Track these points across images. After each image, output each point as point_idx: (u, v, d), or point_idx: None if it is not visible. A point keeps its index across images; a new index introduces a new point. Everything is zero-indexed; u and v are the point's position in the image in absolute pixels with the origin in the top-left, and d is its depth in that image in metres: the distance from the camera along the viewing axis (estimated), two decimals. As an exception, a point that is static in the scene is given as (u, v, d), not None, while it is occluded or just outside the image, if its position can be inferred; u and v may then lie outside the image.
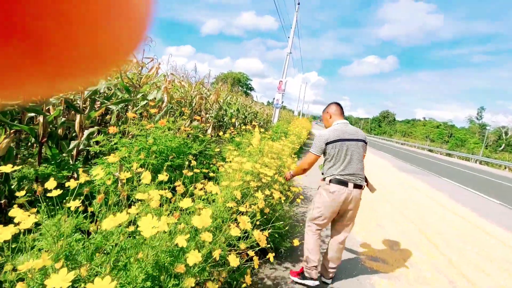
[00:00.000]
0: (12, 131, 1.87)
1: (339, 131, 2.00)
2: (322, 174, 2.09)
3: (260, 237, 1.29)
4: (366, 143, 2.07)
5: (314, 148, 2.04)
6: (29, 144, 2.55)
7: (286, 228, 2.23)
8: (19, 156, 2.29)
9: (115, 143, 2.00)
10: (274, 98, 13.86)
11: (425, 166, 12.65)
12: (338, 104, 2.18)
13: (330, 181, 1.98)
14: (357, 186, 1.97)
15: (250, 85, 59.27)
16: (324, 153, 2.04)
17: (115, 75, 3.09)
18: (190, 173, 1.52)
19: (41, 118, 1.96)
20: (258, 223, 1.48)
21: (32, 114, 2.25)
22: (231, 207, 1.48)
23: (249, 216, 1.36)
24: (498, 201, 6.66)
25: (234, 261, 0.94)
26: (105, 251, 0.95)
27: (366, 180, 2.07)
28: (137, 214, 1.03)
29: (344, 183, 1.95)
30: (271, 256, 1.21)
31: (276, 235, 2.20)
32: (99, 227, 1.01)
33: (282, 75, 14.04)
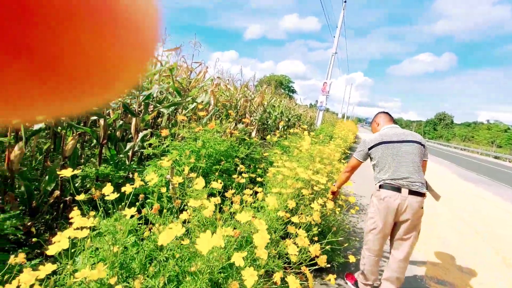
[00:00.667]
0: (77, 133, 2.01)
1: (384, 135, 1.85)
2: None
3: (317, 253, 1.16)
4: (423, 145, 1.83)
5: (356, 152, 1.93)
6: (91, 145, 2.75)
7: (340, 240, 2.04)
8: (83, 156, 2.47)
9: (166, 146, 2.03)
10: (317, 100, 13.45)
11: (492, 176, 11.11)
12: (386, 113, 2.06)
13: (380, 186, 1.79)
14: (414, 193, 1.71)
15: (292, 88, 58.77)
16: (371, 158, 1.88)
17: (166, 80, 3.22)
18: (242, 180, 1.45)
19: (102, 121, 2.07)
20: (315, 238, 1.34)
21: (95, 118, 2.42)
22: (282, 216, 1.37)
23: (304, 229, 1.24)
24: None
25: (293, 283, 0.82)
26: (158, 260, 0.91)
27: (428, 187, 1.80)
28: (189, 222, 0.98)
29: (396, 189, 1.73)
30: (332, 278, 1.06)
31: (329, 249, 2.03)
32: (152, 232, 0.98)
33: (326, 76, 13.61)
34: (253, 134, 5.50)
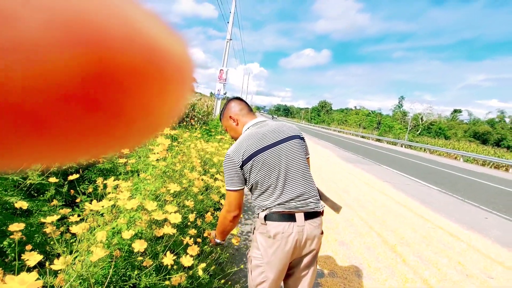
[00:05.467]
0: None
1: (254, 138, 1.14)
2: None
3: None
4: (302, 139, 1.23)
5: (227, 181, 1.14)
6: None
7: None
8: None
9: None
10: (216, 89, 12.82)
11: (365, 154, 13.13)
12: (239, 99, 1.32)
13: (265, 218, 1.13)
14: (311, 215, 1.14)
15: (191, 76, 56.15)
16: (245, 179, 1.15)
17: None
18: None
19: None
20: None
21: None
22: None
23: None
24: (437, 187, 6.88)
25: None
26: None
27: (323, 197, 1.25)
28: None
29: (289, 217, 1.12)
30: None
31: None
32: None
33: (222, 63, 13.14)
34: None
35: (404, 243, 3.14)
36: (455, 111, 55.76)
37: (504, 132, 44.36)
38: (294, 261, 1.20)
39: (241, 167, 1.10)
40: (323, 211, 1.19)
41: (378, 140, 30.54)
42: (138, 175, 1.60)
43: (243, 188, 1.14)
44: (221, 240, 1.28)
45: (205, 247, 1.30)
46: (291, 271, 1.21)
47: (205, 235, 1.37)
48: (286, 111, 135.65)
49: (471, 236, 3.65)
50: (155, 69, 0.10)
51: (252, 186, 1.14)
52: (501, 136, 43.58)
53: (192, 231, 1.27)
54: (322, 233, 1.19)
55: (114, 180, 1.28)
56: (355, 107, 78.94)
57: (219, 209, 2.27)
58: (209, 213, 1.42)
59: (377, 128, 48.69)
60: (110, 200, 1.14)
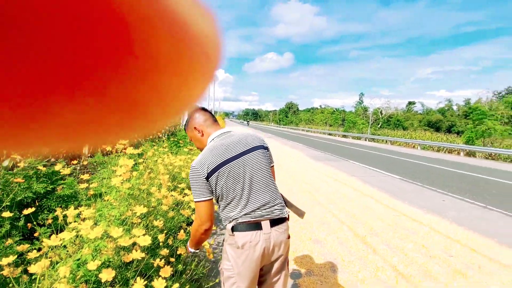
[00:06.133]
0: None
1: (218, 149, 1.17)
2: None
3: None
4: (266, 148, 1.26)
5: (195, 193, 1.15)
6: None
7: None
8: None
9: None
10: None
11: (333, 151, 13.66)
12: (203, 109, 1.34)
13: (232, 229, 1.16)
14: (277, 222, 1.18)
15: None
16: (212, 191, 1.17)
17: None
18: None
19: None
20: None
21: None
22: None
23: None
24: (399, 176, 7.36)
25: None
26: None
27: (288, 204, 1.30)
28: None
29: (255, 226, 1.15)
30: None
31: None
32: None
33: (186, 72, 12.92)
34: (86, 150, 4.03)
35: (373, 234, 3.33)
36: (409, 103, 60.21)
37: (454, 119, 48.78)
38: (265, 268, 1.23)
39: (207, 178, 1.12)
40: (288, 216, 1.24)
41: (344, 136, 31.96)
42: (102, 199, 1.53)
43: (212, 198, 1.15)
44: (195, 250, 1.28)
45: (179, 266, 1.28)
46: (263, 278, 1.24)
47: (178, 252, 1.35)
48: (254, 115, 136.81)
49: (432, 219, 3.97)
50: (182, 49, 0.10)
51: (218, 198, 1.16)
52: (451, 123, 47.84)
53: (164, 251, 1.25)
54: (288, 237, 1.24)
55: (75, 209, 1.22)
56: (320, 106, 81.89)
57: (192, 223, 2.24)
58: (181, 230, 1.40)
59: (342, 124, 50.99)
60: (72, 231, 1.08)
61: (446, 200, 5.17)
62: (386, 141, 25.54)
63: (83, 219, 1.20)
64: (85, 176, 2.01)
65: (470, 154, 16.65)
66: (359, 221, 3.75)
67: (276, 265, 1.22)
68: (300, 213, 1.33)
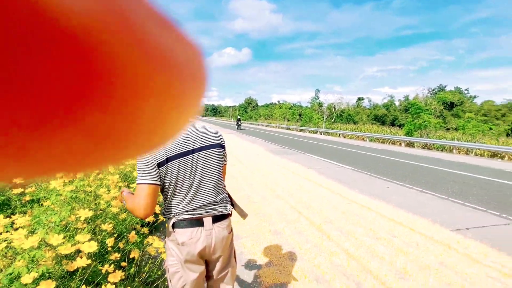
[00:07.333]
0: None
1: (182, 137, 1.12)
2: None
3: None
4: (223, 147, 1.26)
5: (141, 173, 1.06)
6: None
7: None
8: None
9: None
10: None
11: (290, 145, 14.12)
12: None
13: (173, 225, 1.13)
14: (219, 218, 1.19)
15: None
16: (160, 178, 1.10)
17: None
18: None
19: None
20: None
21: None
22: None
23: None
24: (351, 166, 7.90)
25: None
26: None
27: (232, 203, 1.31)
28: None
29: (196, 222, 1.14)
30: None
31: None
32: None
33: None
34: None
35: (327, 221, 3.54)
36: (359, 99, 64.82)
37: (396, 113, 53.77)
38: (211, 264, 1.23)
39: (159, 165, 1.07)
40: (231, 212, 1.25)
41: (301, 130, 33.19)
42: (40, 204, 1.38)
43: (159, 185, 1.08)
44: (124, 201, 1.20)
45: (132, 269, 1.22)
46: (210, 273, 1.25)
47: (131, 256, 1.28)
48: (214, 111, 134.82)
49: (378, 205, 4.35)
50: (164, 80, 0.10)
51: (163, 189, 1.12)
52: (394, 117, 52.67)
53: (115, 256, 1.18)
54: (231, 232, 1.25)
55: (5, 217, 1.08)
56: (279, 101, 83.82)
57: (145, 224, 2.14)
58: (133, 232, 1.33)
59: (299, 119, 52.89)
60: (2, 242, 0.96)
61: (390, 186, 5.70)
62: (339, 135, 27.15)
63: (16, 229, 1.07)
64: (20, 180, 1.79)
65: (410, 144, 18.54)
66: (315, 210, 3.95)
67: (221, 261, 1.22)
68: (243, 214, 1.35)
